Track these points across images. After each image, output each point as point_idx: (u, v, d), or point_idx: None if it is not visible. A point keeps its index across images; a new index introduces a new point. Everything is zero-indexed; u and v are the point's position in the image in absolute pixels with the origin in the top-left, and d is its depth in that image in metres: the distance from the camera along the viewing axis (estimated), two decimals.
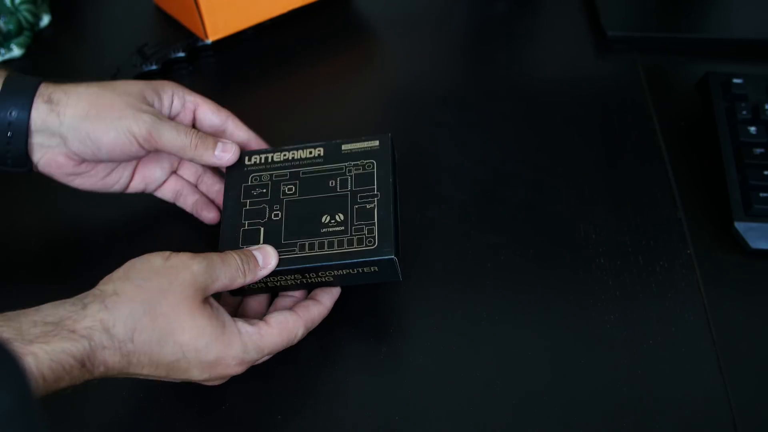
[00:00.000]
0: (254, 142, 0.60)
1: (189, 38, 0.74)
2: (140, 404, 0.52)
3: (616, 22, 0.78)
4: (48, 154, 0.54)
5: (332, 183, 0.55)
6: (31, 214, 0.62)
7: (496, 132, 0.70)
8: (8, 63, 0.74)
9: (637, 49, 0.76)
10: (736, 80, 0.68)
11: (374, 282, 0.53)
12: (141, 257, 0.48)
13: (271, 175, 0.56)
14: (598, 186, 0.65)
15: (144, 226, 0.62)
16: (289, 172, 0.56)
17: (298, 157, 0.56)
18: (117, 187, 0.58)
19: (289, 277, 0.53)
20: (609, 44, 0.77)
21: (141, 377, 0.48)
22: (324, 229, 0.52)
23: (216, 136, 0.57)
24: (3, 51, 0.74)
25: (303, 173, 0.55)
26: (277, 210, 0.54)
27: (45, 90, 0.53)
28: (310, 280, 0.53)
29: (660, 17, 0.80)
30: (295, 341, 0.51)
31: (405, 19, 0.80)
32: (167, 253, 0.48)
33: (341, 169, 0.55)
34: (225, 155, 0.55)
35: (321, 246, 0.52)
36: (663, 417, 0.52)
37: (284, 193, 0.55)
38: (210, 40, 0.74)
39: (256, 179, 0.56)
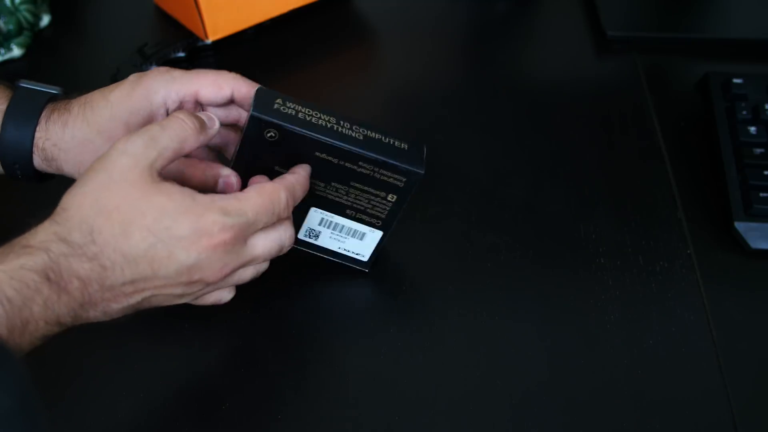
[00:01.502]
0: None
1: (189, 38, 0.74)
2: (140, 404, 0.52)
3: (616, 22, 0.78)
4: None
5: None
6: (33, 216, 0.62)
7: (496, 132, 0.70)
8: (8, 63, 0.74)
9: (637, 49, 0.76)
10: (736, 80, 0.68)
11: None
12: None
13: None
14: (598, 186, 0.65)
15: None
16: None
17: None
18: None
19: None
20: (609, 44, 0.77)
21: (129, 287, 0.44)
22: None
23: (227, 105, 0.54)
24: (3, 51, 0.74)
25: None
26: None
27: (40, 139, 0.51)
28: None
29: (660, 17, 0.80)
30: (281, 207, 0.48)
31: (405, 19, 0.80)
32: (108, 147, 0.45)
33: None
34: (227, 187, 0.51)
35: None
36: (663, 417, 0.52)
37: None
38: (210, 40, 0.74)
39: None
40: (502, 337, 0.56)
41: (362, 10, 0.81)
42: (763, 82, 0.68)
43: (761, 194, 0.61)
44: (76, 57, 0.77)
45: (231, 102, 0.53)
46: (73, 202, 0.43)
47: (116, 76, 0.72)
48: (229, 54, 0.75)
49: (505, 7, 0.82)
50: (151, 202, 0.44)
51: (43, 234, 0.42)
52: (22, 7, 0.74)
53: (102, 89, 0.52)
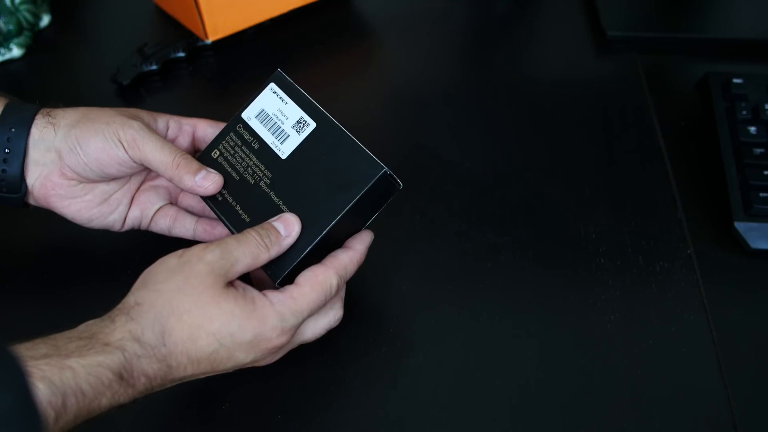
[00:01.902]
0: None
1: (189, 38, 0.74)
2: (140, 404, 0.52)
3: (616, 22, 0.78)
4: (43, 173, 0.53)
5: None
6: (33, 219, 0.62)
7: (496, 132, 0.70)
8: (8, 63, 0.74)
9: (637, 49, 0.76)
10: (736, 80, 0.68)
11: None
12: (156, 262, 0.48)
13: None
14: (598, 186, 0.65)
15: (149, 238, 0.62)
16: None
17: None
18: (114, 217, 0.56)
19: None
20: (609, 44, 0.77)
21: (189, 378, 0.47)
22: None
23: None
24: (3, 51, 0.74)
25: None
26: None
27: (46, 111, 0.54)
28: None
29: (660, 17, 0.80)
30: (334, 293, 0.50)
31: (405, 19, 0.80)
32: (181, 250, 0.47)
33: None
34: (205, 183, 0.53)
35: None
36: (663, 417, 0.52)
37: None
38: (210, 40, 0.74)
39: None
40: (502, 336, 0.56)
41: (362, 10, 0.81)
42: (763, 82, 0.68)
43: (761, 194, 0.61)
44: (76, 57, 0.77)
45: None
46: (147, 298, 0.46)
47: (116, 76, 0.72)
48: (229, 54, 0.75)
49: (505, 7, 0.82)
50: (220, 307, 0.46)
51: (120, 332, 0.44)
52: (22, 7, 0.74)
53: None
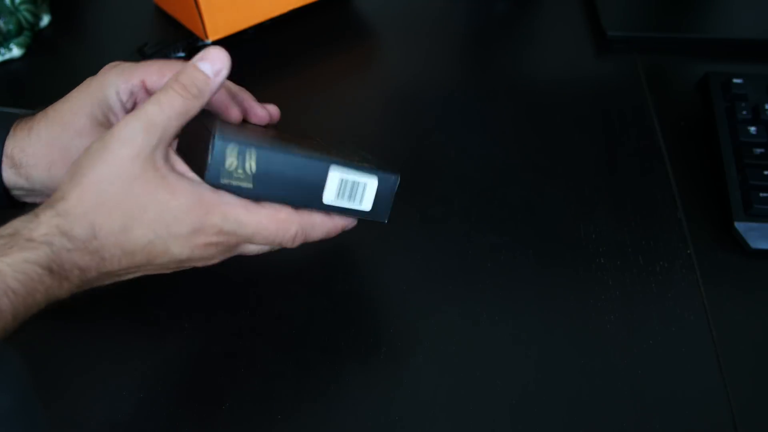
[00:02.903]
0: (239, 96, 0.55)
1: (189, 38, 0.74)
2: (140, 404, 0.52)
3: (616, 22, 0.78)
4: (36, 200, 0.53)
5: None
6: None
7: (496, 132, 0.70)
8: (8, 63, 0.74)
9: (637, 49, 0.76)
10: (736, 80, 0.68)
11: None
12: (82, 152, 0.45)
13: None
14: (598, 186, 0.65)
15: None
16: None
17: None
18: None
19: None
20: (609, 44, 0.77)
21: (124, 272, 0.45)
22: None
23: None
24: (3, 51, 0.74)
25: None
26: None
27: (8, 148, 0.51)
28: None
29: (660, 17, 0.80)
30: (287, 239, 0.47)
31: (405, 19, 0.80)
32: (105, 132, 0.44)
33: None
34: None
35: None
36: (663, 417, 0.52)
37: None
38: (210, 40, 0.74)
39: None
40: (501, 337, 0.56)
41: (362, 10, 0.81)
42: (763, 82, 0.68)
43: (761, 194, 0.61)
44: (76, 57, 0.77)
45: None
46: (73, 193, 0.43)
47: None
48: (229, 54, 0.75)
49: (504, 7, 0.82)
50: (154, 197, 0.44)
51: (45, 227, 0.42)
52: (22, 7, 0.74)
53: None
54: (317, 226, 0.49)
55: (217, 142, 0.44)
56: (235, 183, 0.45)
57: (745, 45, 0.77)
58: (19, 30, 0.74)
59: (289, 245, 0.48)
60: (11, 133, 0.51)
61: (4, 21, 0.73)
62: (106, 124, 0.51)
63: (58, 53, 0.77)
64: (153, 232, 0.44)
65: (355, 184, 0.50)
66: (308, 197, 0.48)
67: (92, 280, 0.44)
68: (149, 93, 0.52)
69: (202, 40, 0.74)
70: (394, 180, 0.51)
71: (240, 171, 0.45)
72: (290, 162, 0.47)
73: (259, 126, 0.54)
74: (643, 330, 0.56)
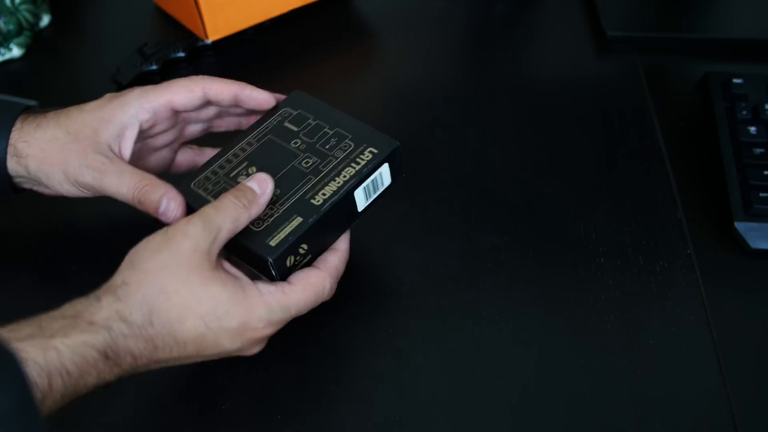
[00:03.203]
0: (243, 95, 0.56)
1: (189, 38, 0.75)
2: (140, 404, 0.52)
3: (616, 22, 0.78)
4: (41, 189, 0.56)
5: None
6: (32, 213, 0.62)
7: (496, 132, 0.70)
8: (8, 63, 0.74)
9: (637, 49, 0.76)
10: (736, 80, 0.68)
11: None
12: (142, 240, 0.47)
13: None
14: (598, 186, 0.65)
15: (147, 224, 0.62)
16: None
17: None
18: (162, 169, 0.59)
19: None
20: (609, 44, 0.77)
21: (173, 362, 0.47)
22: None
23: (201, 120, 0.57)
24: (3, 51, 0.74)
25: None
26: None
27: (14, 137, 0.53)
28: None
29: (660, 17, 0.80)
30: (327, 295, 0.50)
31: (405, 19, 0.80)
32: (166, 227, 0.47)
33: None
34: (168, 213, 0.51)
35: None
36: (663, 417, 0.52)
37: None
38: (210, 40, 0.74)
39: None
40: (501, 336, 0.56)
41: (362, 10, 0.81)
42: (763, 82, 0.68)
43: (761, 194, 0.61)
44: (76, 57, 0.77)
45: (207, 103, 0.56)
46: (134, 278, 0.45)
47: (116, 76, 0.72)
48: (229, 54, 0.75)
49: (505, 7, 0.82)
50: (208, 290, 0.46)
51: (106, 311, 0.44)
52: (22, 7, 0.74)
53: (79, 105, 0.55)
54: (339, 264, 0.52)
55: (275, 263, 0.49)
56: (299, 265, 0.51)
57: (745, 45, 0.77)
58: (19, 30, 0.74)
59: (327, 298, 0.51)
60: (19, 125, 0.54)
61: (4, 21, 0.73)
62: (99, 147, 0.52)
63: (58, 53, 0.77)
64: (205, 325, 0.46)
65: (374, 181, 0.52)
66: (348, 220, 0.53)
67: (141, 367, 0.46)
68: (177, 112, 0.56)
69: (202, 40, 0.74)
70: (396, 147, 0.53)
71: (298, 258, 0.50)
72: (324, 219, 0.50)
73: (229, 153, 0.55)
74: (643, 330, 0.56)
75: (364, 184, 0.52)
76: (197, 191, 0.53)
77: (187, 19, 0.75)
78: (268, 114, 0.56)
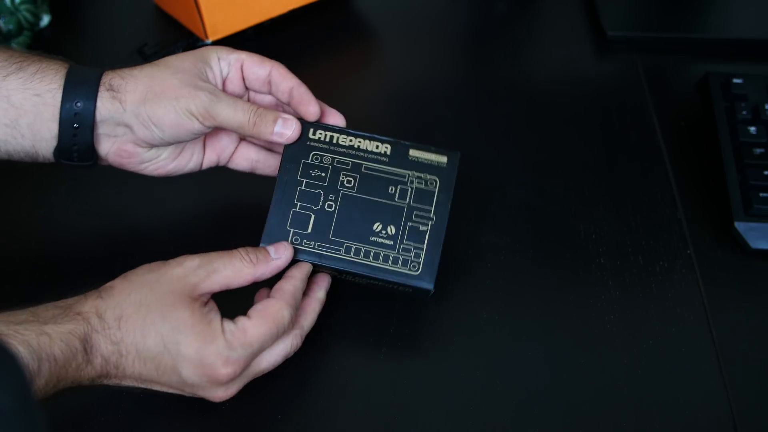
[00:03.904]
0: (296, 92, 0.56)
1: (189, 38, 0.74)
2: (140, 404, 0.52)
3: (616, 22, 0.78)
4: (116, 145, 0.54)
5: (392, 189, 0.54)
6: (31, 218, 0.62)
7: (496, 132, 0.70)
8: None
9: (637, 49, 0.76)
10: (736, 80, 0.68)
11: (400, 295, 0.55)
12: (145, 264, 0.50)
13: (333, 159, 0.54)
14: (598, 186, 0.65)
15: (147, 222, 0.62)
16: (352, 162, 0.54)
17: (364, 148, 0.55)
18: (191, 166, 0.57)
19: (325, 270, 0.53)
20: (609, 44, 0.77)
21: (139, 381, 0.48)
22: (373, 238, 0.53)
23: (265, 90, 0.57)
24: None
25: (365, 168, 0.54)
26: (331, 200, 0.53)
27: (106, 78, 0.53)
28: (343, 277, 0.54)
29: (660, 17, 0.80)
30: (285, 324, 0.49)
31: (405, 19, 0.80)
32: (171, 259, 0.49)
33: (404, 177, 0.54)
34: (286, 132, 0.53)
35: (367, 255, 0.52)
36: (663, 417, 0.52)
37: (342, 185, 0.54)
38: (210, 40, 0.74)
39: (316, 158, 0.54)
40: (501, 337, 0.56)
41: (362, 10, 0.81)
42: (763, 82, 0.68)
43: (761, 194, 0.61)
44: (76, 57, 0.76)
45: (267, 91, 0.57)
46: (119, 285, 0.48)
47: None
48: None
49: (505, 7, 0.82)
50: (176, 312, 0.47)
51: (88, 305, 0.47)
52: (22, 7, 0.74)
53: None
54: (294, 291, 0.51)
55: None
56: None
57: (745, 45, 0.77)
58: (19, 30, 0.74)
59: (296, 329, 0.51)
60: (110, 72, 0.53)
61: (4, 21, 0.73)
62: (202, 77, 0.53)
63: (58, 53, 0.76)
64: (164, 345, 0.47)
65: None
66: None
67: (111, 375, 0.47)
68: (245, 75, 0.56)
69: (202, 40, 0.74)
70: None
71: None
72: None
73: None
74: (643, 330, 0.56)
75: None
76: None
77: (187, 19, 0.75)
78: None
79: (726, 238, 0.61)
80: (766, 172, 0.62)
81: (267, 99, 0.58)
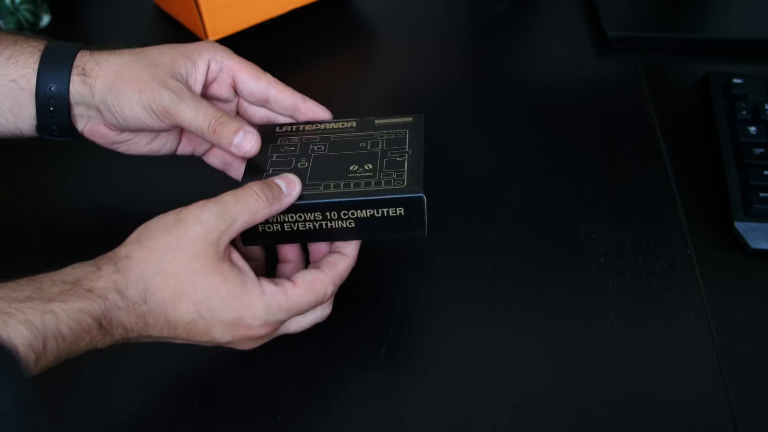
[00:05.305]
0: (303, 107, 0.56)
1: (189, 38, 0.74)
2: (140, 404, 0.52)
3: (616, 22, 0.78)
4: (89, 125, 0.55)
5: (363, 144, 0.53)
6: (32, 205, 0.63)
7: (496, 132, 0.70)
8: None
9: (637, 49, 0.76)
10: (736, 80, 0.68)
11: (398, 236, 0.51)
12: (154, 218, 0.47)
13: (301, 138, 0.54)
14: (598, 186, 0.65)
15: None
16: (320, 136, 0.54)
17: (331, 127, 0.55)
18: (165, 151, 0.58)
19: (308, 217, 0.50)
20: (609, 44, 0.77)
21: (164, 339, 0.47)
22: (351, 175, 0.51)
23: (260, 104, 0.56)
24: None
25: (334, 137, 0.54)
26: (303, 161, 0.52)
27: (80, 61, 0.53)
28: (330, 224, 0.51)
29: (660, 17, 0.80)
30: (326, 299, 0.50)
31: (405, 19, 0.80)
32: (180, 208, 0.47)
33: (374, 135, 0.54)
34: (245, 145, 0.51)
35: (347, 186, 0.50)
36: (663, 417, 0.52)
37: (313, 150, 0.53)
38: (210, 40, 0.74)
39: (285, 141, 0.54)
40: (501, 337, 0.56)
41: (362, 10, 0.81)
42: (763, 82, 0.68)
43: (761, 194, 0.61)
44: None
45: (263, 104, 0.56)
46: (137, 254, 0.45)
47: None
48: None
49: (505, 7, 0.82)
50: (207, 279, 0.46)
51: (104, 281, 0.44)
52: (22, 7, 0.74)
53: None
54: (345, 271, 0.51)
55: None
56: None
57: (745, 45, 0.77)
58: (19, 30, 0.74)
59: (327, 301, 0.51)
60: (87, 53, 0.53)
61: (4, 21, 0.73)
62: (176, 74, 0.53)
63: None
64: (197, 312, 0.46)
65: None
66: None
67: (132, 339, 0.46)
68: (237, 86, 0.56)
69: (202, 40, 0.74)
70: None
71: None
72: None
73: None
74: (643, 330, 0.56)
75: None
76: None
77: (187, 19, 0.75)
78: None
79: (726, 238, 0.61)
80: (766, 172, 0.62)
81: (261, 112, 0.58)
